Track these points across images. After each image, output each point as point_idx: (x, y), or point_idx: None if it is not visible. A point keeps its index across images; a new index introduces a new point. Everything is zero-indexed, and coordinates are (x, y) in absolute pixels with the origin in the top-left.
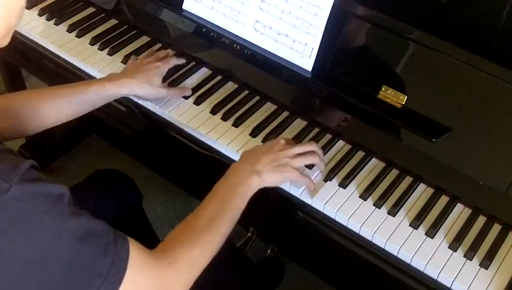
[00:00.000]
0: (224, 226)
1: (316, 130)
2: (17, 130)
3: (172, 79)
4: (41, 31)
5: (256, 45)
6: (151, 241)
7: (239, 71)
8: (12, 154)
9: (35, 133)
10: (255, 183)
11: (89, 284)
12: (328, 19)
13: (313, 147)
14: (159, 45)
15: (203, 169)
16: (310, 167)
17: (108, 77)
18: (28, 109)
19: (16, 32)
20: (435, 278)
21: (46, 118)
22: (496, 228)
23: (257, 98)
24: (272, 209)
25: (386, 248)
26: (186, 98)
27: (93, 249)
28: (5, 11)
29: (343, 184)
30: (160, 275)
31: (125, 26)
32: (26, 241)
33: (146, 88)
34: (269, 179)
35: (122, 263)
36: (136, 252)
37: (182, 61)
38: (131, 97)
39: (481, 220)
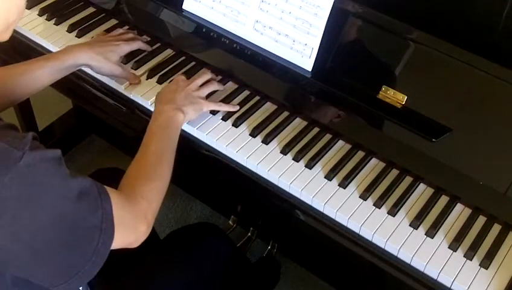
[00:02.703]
0: (170, 157)
1: (316, 130)
2: None
3: (172, 79)
4: (41, 31)
5: (256, 45)
6: (152, 240)
7: (239, 71)
8: (14, 129)
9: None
10: (181, 119)
11: (90, 238)
12: (328, 19)
13: (208, 75)
14: (158, 44)
15: (202, 169)
16: (214, 113)
17: (65, 49)
18: None
19: (16, 32)
20: (435, 278)
21: (11, 95)
22: (496, 228)
23: (257, 98)
24: (272, 209)
25: (386, 248)
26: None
27: (87, 206)
28: (5, 6)
29: (343, 184)
30: (138, 209)
31: (125, 26)
32: (38, 206)
33: (100, 61)
34: (190, 113)
35: (110, 216)
36: (116, 201)
37: (147, 46)
38: (131, 97)
39: (481, 220)
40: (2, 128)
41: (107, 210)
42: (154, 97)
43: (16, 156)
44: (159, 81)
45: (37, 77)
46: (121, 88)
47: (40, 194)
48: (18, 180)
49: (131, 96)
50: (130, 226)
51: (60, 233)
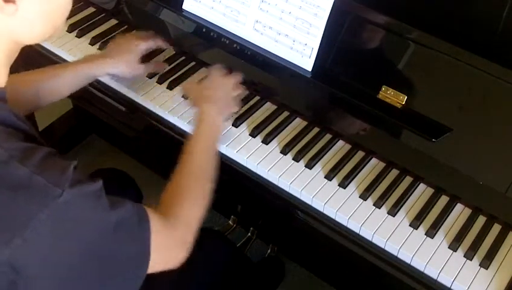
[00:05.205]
0: (211, 172)
1: (316, 130)
2: None
3: (172, 79)
4: None
5: (256, 45)
6: None
7: (239, 71)
8: (56, 156)
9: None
10: (222, 126)
11: (124, 270)
12: (328, 19)
13: (240, 77)
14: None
15: None
16: None
17: (84, 59)
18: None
19: None
20: (435, 278)
21: (25, 104)
22: (496, 228)
23: (257, 98)
24: (272, 209)
25: (386, 248)
26: (187, 98)
27: (123, 237)
28: (53, 12)
29: (343, 184)
30: (177, 235)
31: (125, 26)
32: (77, 240)
33: (122, 67)
34: (226, 115)
35: (147, 246)
36: (155, 227)
37: (165, 44)
38: (131, 97)
39: (481, 220)
40: (44, 158)
41: (143, 240)
42: (161, 96)
43: (55, 194)
44: (159, 81)
45: (52, 86)
46: (121, 88)
47: (76, 229)
48: (55, 216)
49: (131, 97)
50: (167, 252)
51: (94, 265)
